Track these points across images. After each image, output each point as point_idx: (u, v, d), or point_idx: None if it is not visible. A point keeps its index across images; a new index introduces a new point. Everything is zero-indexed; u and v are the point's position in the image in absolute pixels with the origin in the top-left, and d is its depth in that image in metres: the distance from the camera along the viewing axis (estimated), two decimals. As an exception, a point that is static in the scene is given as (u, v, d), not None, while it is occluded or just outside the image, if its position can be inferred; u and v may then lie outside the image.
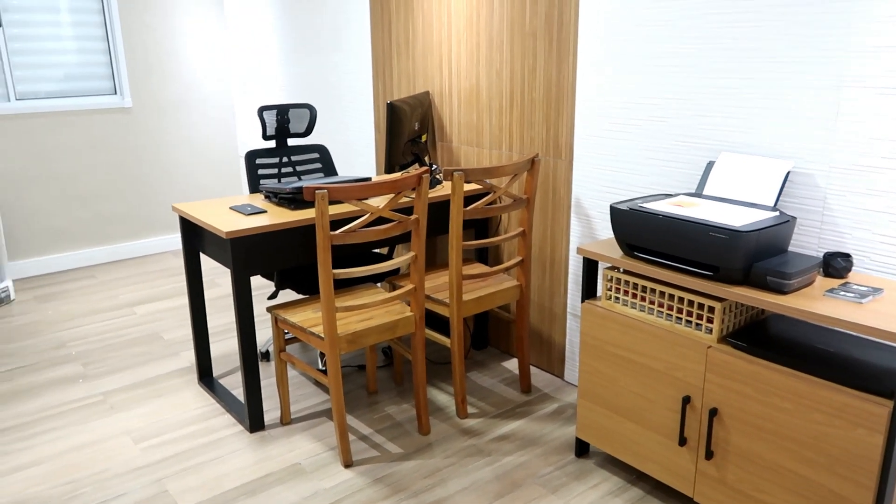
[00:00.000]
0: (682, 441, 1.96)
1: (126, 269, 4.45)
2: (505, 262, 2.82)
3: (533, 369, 3.02)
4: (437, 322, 3.39)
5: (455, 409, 2.66)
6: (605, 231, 2.63)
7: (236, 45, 4.74)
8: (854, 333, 1.83)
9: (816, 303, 1.67)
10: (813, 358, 1.72)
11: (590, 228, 2.68)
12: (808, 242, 2.02)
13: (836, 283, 1.81)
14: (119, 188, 4.56)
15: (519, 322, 2.74)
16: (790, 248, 2.06)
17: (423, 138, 3.20)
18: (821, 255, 2.00)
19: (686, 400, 1.92)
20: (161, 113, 4.64)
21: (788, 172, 1.98)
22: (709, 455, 1.89)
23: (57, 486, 2.21)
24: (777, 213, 1.88)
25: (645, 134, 2.40)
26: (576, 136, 2.64)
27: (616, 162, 2.52)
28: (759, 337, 1.84)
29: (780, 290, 1.73)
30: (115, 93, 4.48)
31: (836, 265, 1.83)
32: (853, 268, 1.92)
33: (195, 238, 2.65)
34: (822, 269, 1.89)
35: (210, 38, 4.77)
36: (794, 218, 1.88)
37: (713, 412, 1.86)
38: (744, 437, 1.82)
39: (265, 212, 2.50)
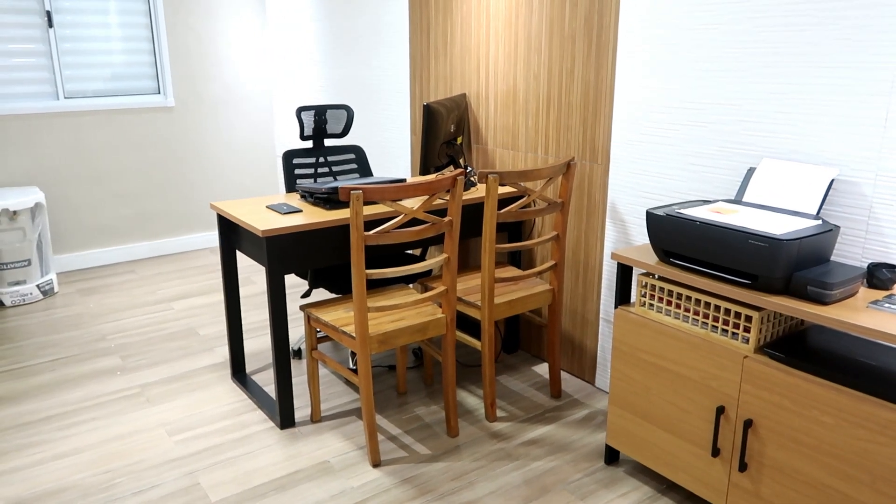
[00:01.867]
0: (716, 452, 1.92)
1: (165, 264, 4.54)
2: (538, 266, 2.81)
3: (564, 374, 2.99)
4: (468, 324, 3.39)
5: (484, 412, 2.65)
6: (641, 237, 2.59)
7: (276, 47, 4.81)
8: (899, 347, 1.77)
9: (859, 314, 1.62)
10: (855, 371, 1.66)
11: (625, 234, 2.65)
12: (851, 252, 1.96)
13: (880, 294, 1.76)
14: (160, 186, 4.67)
15: (551, 326, 2.72)
16: (833, 258, 2.01)
17: (459, 140, 3.20)
18: (865, 265, 1.94)
19: (720, 410, 1.88)
20: (202, 112, 4.74)
21: (833, 180, 1.93)
22: (742, 467, 1.85)
23: (96, 475, 2.27)
24: (820, 222, 1.83)
25: (684, 139, 2.36)
26: (613, 140, 2.61)
27: (654, 167, 2.48)
28: (799, 348, 1.80)
29: (821, 301, 1.68)
30: (159, 92, 4.58)
31: (880, 276, 1.78)
32: (899, 279, 1.86)
33: (232, 236, 2.69)
34: (865, 280, 1.83)
35: (251, 40, 4.85)
36: (838, 227, 1.83)
37: (748, 423, 1.82)
38: (780, 451, 1.77)
39: (301, 211, 2.53)
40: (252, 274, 4.33)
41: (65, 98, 4.23)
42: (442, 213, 2.72)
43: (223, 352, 3.20)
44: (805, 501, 1.74)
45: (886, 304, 1.67)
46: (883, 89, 1.84)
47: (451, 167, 3.19)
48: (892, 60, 1.81)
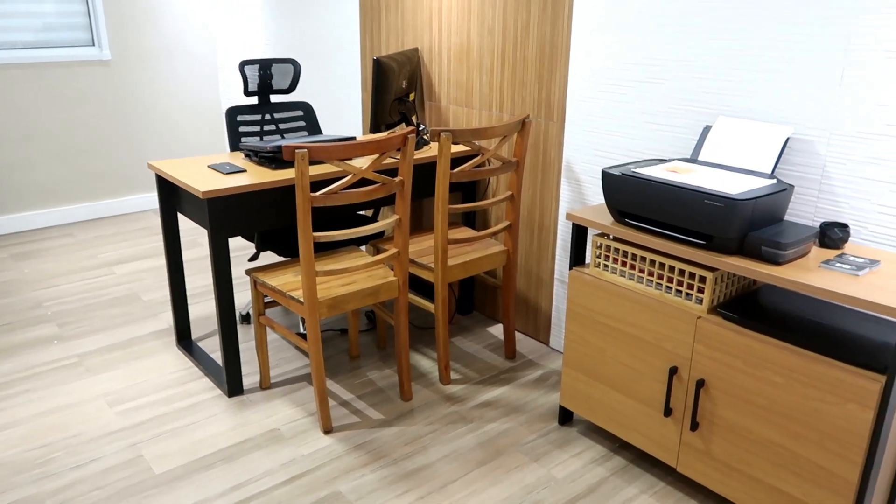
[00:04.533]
0: (668, 412, 1.92)
1: (106, 227, 4.34)
2: (492, 227, 2.75)
3: (518, 335, 2.98)
4: (421, 286, 3.34)
5: (438, 374, 2.62)
6: (596, 197, 2.55)
7: (219, -3, 4.56)
8: (849, 307, 1.78)
9: (811, 274, 1.62)
10: (806, 331, 1.67)
11: (580, 193, 2.60)
12: (804, 212, 1.96)
13: (832, 254, 1.76)
14: (99, 144, 4.42)
15: (505, 288, 2.68)
16: (786, 217, 2.00)
17: (411, 97, 3.09)
18: (817, 224, 1.94)
19: (673, 371, 1.88)
20: (142, 66, 4.48)
21: (788, 139, 1.90)
22: (694, 426, 1.86)
23: (30, 451, 2.16)
24: (775, 181, 1.82)
25: (641, 96, 2.31)
26: (569, 97, 2.54)
27: (610, 125, 2.43)
28: (751, 308, 1.79)
29: (775, 261, 1.67)
30: (94, 44, 4.31)
31: (832, 235, 1.77)
32: (850, 238, 1.87)
33: (173, 197, 2.56)
34: (818, 240, 1.83)
35: (192, -11, 4.58)
36: (792, 186, 1.81)
37: (700, 384, 1.82)
38: (731, 410, 1.78)
39: (245, 171, 2.41)
40: (198, 236, 4.17)
41: (-12, 49, 3.94)
42: (393, 172, 2.63)
43: (168, 318, 3.08)
44: (754, 460, 1.76)
45: (838, 264, 1.66)
46: (839, 45, 1.81)
47: (403, 125, 3.08)
48: (848, 18, 1.78)
